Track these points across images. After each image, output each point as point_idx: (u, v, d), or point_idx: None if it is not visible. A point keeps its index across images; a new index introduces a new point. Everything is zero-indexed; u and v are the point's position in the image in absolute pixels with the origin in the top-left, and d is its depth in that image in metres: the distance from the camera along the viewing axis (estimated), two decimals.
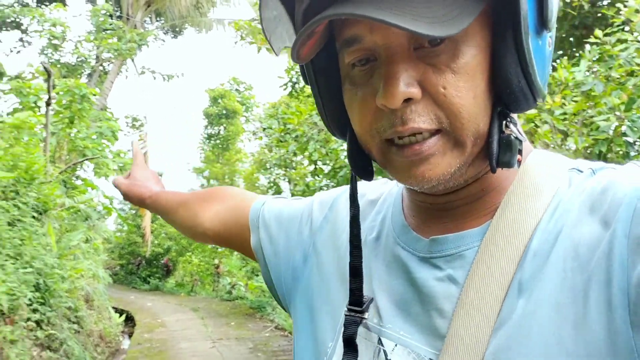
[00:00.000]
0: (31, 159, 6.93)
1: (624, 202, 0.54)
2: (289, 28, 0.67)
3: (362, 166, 0.71)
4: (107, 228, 14.05)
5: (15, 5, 18.50)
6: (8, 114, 11.47)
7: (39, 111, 10.34)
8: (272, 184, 11.12)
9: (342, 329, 0.69)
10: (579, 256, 0.54)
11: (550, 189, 0.61)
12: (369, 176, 0.72)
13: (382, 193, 0.82)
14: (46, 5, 18.69)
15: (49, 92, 8.44)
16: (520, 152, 0.59)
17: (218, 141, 19.29)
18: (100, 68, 17.21)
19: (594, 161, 0.66)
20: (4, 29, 18.06)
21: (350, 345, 0.68)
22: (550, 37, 0.61)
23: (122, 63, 16.78)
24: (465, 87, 0.56)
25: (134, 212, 17.67)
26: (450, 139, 0.58)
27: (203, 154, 19.84)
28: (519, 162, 0.59)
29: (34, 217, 6.66)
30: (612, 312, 0.50)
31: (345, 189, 0.87)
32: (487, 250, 0.60)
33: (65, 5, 18.78)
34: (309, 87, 0.71)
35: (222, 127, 19.13)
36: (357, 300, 0.69)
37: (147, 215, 15.13)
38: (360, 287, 0.69)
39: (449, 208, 0.67)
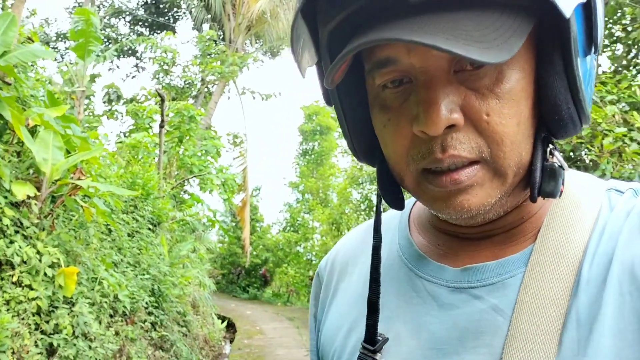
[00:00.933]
0: (148, 176, 7.70)
1: None
2: (310, 48, 0.61)
3: (392, 194, 0.67)
4: (210, 239, 14.98)
5: (132, 34, 20.36)
6: (125, 135, 12.68)
7: (152, 131, 11.36)
8: (364, 199, 11.38)
9: None
10: (636, 279, 0.51)
11: (591, 210, 0.58)
12: (399, 205, 0.68)
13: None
14: (158, 33, 20.38)
15: (162, 115, 9.26)
16: (563, 181, 0.56)
17: (312, 156, 19.86)
18: (205, 90, 18.36)
19: (633, 182, 0.64)
20: (122, 56, 19.89)
21: None
22: (594, 59, 0.58)
23: (225, 84, 17.81)
24: (510, 114, 0.52)
25: (234, 224, 18.60)
26: (491, 169, 0.54)
27: (298, 169, 20.48)
28: (561, 192, 0.56)
29: (149, 228, 7.39)
30: None
31: (332, 250, 0.85)
32: (533, 277, 0.55)
33: (174, 32, 20.39)
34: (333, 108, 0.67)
35: (316, 143, 19.71)
36: (371, 339, 0.63)
37: (247, 227, 15.93)
38: (375, 324, 0.63)
39: (485, 237, 0.63)
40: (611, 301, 0.51)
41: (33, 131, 4.45)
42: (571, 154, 4.28)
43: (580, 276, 0.54)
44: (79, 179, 4.58)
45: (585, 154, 4.02)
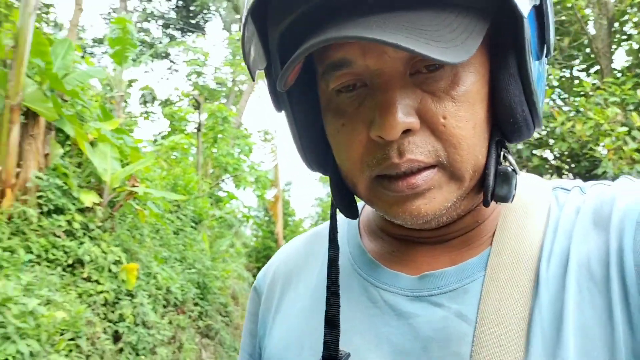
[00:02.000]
0: (189, 178, 8.28)
1: (627, 216, 0.52)
2: (259, 49, 0.59)
3: (345, 202, 0.64)
4: (245, 234, 15.55)
5: (164, 37, 21.08)
6: (163, 137, 13.29)
7: (185, 131, 11.95)
8: None
9: None
10: (593, 275, 0.51)
11: (541, 209, 0.59)
12: (353, 214, 0.65)
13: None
14: (189, 35, 21.07)
15: (199, 119, 9.83)
16: (515, 185, 0.56)
17: None
18: (236, 89, 18.92)
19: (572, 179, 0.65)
20: (156, 59, 20.64)
21: None
22: (545, 63, 0.58)
23: (255, 83, 18.34)
24: (466, 117, 0.51)
25: (267, 219, 19.16)
26: (447, 172, 0.53)
27: None
28: (514, 196, 0.56)
29: (192, 226, 7.97)
30: (634, 332, 0.48)
31: (270, 262, 0.82)
32: (494, 281, 0.55)
33: (205, 34, 21.05)
34: (283, 114, 0.63)
35: None
36: (331, 356, 0.59)
37: (280, 221, 16.46)
38: (336, 340, 0.59)
39: (441, 241, 0.61)
40: (571, 298, 0.50)
41: (92, 144, 5.04)
42: (580, 151, 4.62)
43: (539, 276, 0.53)
44: (133, 185, 5.15)
45: (590, 151, 4.35)
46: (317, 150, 0.64)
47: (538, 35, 0.54)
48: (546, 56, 0.56)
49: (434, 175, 0.52)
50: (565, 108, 5.43)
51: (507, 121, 0.54)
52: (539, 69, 0.55)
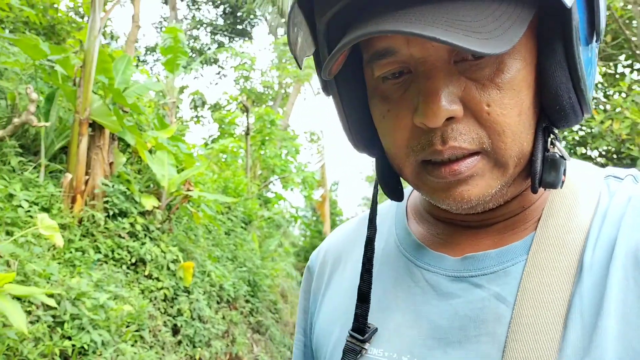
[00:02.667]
0: (238, 180, 8.67)
1: None
2: (307, 37, 0.60)
3: (391, 185, 0.66)
4: (293, 234, 15.87)
5: (212, 43, 21.73)
6: (213, 141, 13.77)
7: (234, 135, 12.36)
8: None
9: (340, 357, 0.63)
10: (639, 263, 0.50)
11: (591, 197, 0.58)
12: (398, 196, 0.67)
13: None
14: (236, 41, 21.65)
15: (247, 124, 10.22)
16: (564, 172, 0.55)
17: None
18: (282, 92, 19.30)
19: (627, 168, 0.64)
20: (206, 65, 21.31)
21: None
22: (596, 47, 0.56)
23: (301, 86, 18.67)
24: (510, 104, 0.51)
25: (315, 218, 19.42)
26: (491, 159, 0.53)
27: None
28: (563, 182, 0.55)
29: (242, 227, 8.33)
30: None
31: (323, 242, 0.85)
32: (535, 265, 0.55)
33: (251, 39, 21.58)
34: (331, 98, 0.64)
35: None
36: (360, 328, 0.62)
37: (327, 221, 16.69)
38: (365, 315, 0.62)
39: (485, 225, 0.62)
40: (615, 286, 0.50)
41: (150, 151, 5.45)
42: (619, 149, 4.67)
43: (583, 262, 0.53)
44: (188, 189, 5.53)
45: (628, 149, 4.40)
46: (364, 133, 0.65)
47: (587, 20, 0.52)
48: (596, 41, 0.54)
49: (477, 163, 0.53)
50: (608, 106, 5.46)
51: (553, 108, 0.53)
52: (588, 54, 0.53)
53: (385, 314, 0.63)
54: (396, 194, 0.67)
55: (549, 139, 0.56)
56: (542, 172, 0.55)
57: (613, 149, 4.89)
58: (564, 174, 0.55)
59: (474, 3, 0.47)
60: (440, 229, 0.66)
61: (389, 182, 0.66)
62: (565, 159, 0.55)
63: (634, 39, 5.91)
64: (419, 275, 0.63)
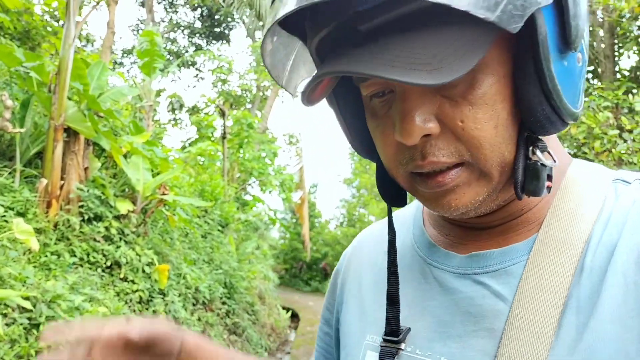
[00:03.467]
0: (215, 184, 8.75)
1: None
2: (305, 59, 0.64)
3: (394, 191, 0.68)
4: (272, 236, 15.90)
5: (190, 45, 21.71)
6: (190, 144, 13.75)
7: (212, 138, 12.39)
8: None
9: None
10: None
11: (596, 200, 0.58)
12: (401, 202, 0.69)
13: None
14: (214, 43, 21.66)
15: (224, 127, 10.30)
16: (550, 177, 0.55)
17: None
18: (261, 95, 19.35)
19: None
20: (183, 68, 21.26)
21: None
22: (580, 52, 0.55)
23: (279, 89, 18.74)
24: (484, 118, 0.52)
25: (294, 221, 19.49)
26: (475, 170, 0.54)
27: (353, 164, 21.25)
28: (549, 187, 0.55)
29: (219, 230, 8.40)
30: None
31: (355, 240, 0.87)
32: (535, 265, 0.56)
33: (229, 42, 21.61)
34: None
35: None
36: (393, 330, 0.63)
37: (306, 223, 16.78)
38: (397, 316, 0.64)
39: (488, 227, 0.64)
40: (614, 290, 0.51)
41: (125, 156, 5.53)
42: (578, 151, 4.90)
43: (584, 264, 0.54)
44: (163, 193, 5.62)
45: (583, 154, 4.62)
46: (364, 141, 0.67)
47: (559, 31, 0.51)
48: (574, 50, 0.53)
49: (461, 173, 0.54)
50: None
51: (528, 120, 0.54)
52: (564, 64, 0.53)
53: (402, 310, 0.66)
54: (398, 200, 0.69)
55: (531, 148, 0.56)
56: (524, 181, 0.55)
57: (573, 152, 5.12)
58: (550, 180, 0.56)
59: (430, 32, 0.48)
60: (449, 230, 0.68)
61: (389, 188, 0.68)
62: (546, 166, 0.55)
63: (594, 44, 6.17)
64: (428, 272, 0.66)
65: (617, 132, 4.36)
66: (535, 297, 0.54)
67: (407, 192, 0.66)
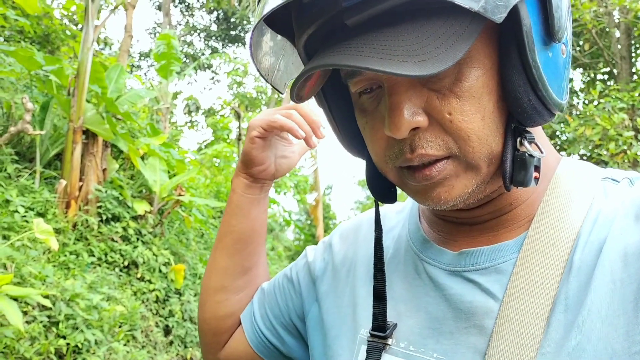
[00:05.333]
0: (230, 185, 8.79)
1: None
2: (295, 59, 0.65)
3: (384, 188, 0.69)
4: (287, 237, 15.97)
5: (206, 48, 21.88)
6: (206, 145, 13.88)
7: (228, 140, 12.48)
8: None
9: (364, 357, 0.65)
10: (628, 266, 0.51)
11: (585, 198, 0.59)
12: (391, 199, 0.70)
13: (398, 220, 0.78)
14: (230, 46, 21.81)
15: (239, 130, 10.40)
16: (538, 169, 0.56)
17: None
18: (276, 97, 19.44)
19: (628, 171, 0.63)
20: (199, 70, 21.44)
21: None
22: (564, 44, 0.57)
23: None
24: (472, 111, 0.53)
25: (309, 222, 19.54)
26: (462, 162, 0.55)
27: None
28: (537, 179, 0.56)
29: None
30: None
31: (341, 226, 0.88)
32: (525, 263, 0.57)
33: (245, 45, 21.75)
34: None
35: None
36: (380, 326, 0.65)
37: (320, 225, 16.81)
38: (384, 312, 0.65)
39: (478, 222, 0.64)
40: (601, 288, 0.51)
41: (142, 158, 5.62)
42: (592, 152, 4.87)
43: (572, 262, 0.54)
44: (179, 194, 5.70)
45: (598, 155, 4.60)
46: (354, 139, 0.68)
47: (543, 22, 0.52)
48: (558, 41, 0.54)
49: (448, 166, 0.55)
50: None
51: (516, 110, 0.54)
52: (548, 55, 0.54)
53: (391, 303, 0.66)
54: (388, 196, 0.70)
55: (519, 139, 0.56)
56: (512, 172, 0.55)
57: (588, 154, 5.09)
58: (538, 171, 0.56)
59: (419, 24, 0.48)
60: (442, 227, 0.68)
61: (379, 185, 0.69)
62: (534, 157, 0.55)
63: (611, 46, 6.13)
64: (421, 268, 0.66)
65: (632, 133, 4.33)
66: (525, 295, 0.55)
67: (397, 189, 0.68)
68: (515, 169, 0.55)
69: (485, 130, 0.53)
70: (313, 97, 0.65)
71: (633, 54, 6.59)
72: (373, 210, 0.75)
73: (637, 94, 4.74)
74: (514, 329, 0.53)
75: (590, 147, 4.75)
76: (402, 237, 0.73)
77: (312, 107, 0.82)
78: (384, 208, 0.82)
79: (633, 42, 6.44)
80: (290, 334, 0.85)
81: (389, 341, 0.64)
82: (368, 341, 0.65)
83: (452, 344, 0.58)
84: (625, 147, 4.29)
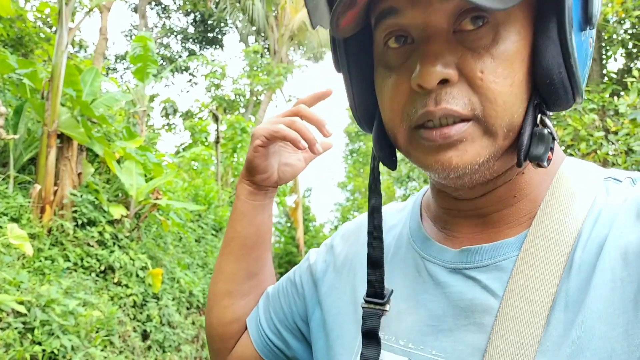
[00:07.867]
0: (209, 188, 8.79)
1: None
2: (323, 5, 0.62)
3: (387, 156, 0.68)
4: None
5: (183, 50, 21.75)
6: (184, 148, 13.78)
7: (206, 143, 12.42)
8: (407, 196, 12.14)
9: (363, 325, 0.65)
10: (628, 265, 0.51)
11: (587, 197, 0.59)
12: (392, 165, 0.69)
13: (399, 219, 0.78)
14: (207, 48, 21.70)
15: (217, 132, 10.36)
16: (552, 149, 0.56)
17: (359, 157, 20.68)
18: (254, 99, 19.40)
19: (629, 171, 0.64)
20: (177, 73, 21.29)
21: (372, 338, 0.64)
22: (591, 37, 0.58)
23: (272, 93, 18.81)
24: (503, 74, 0.53)
25: (288, 225, 19.52)
26: (482, 127, 0.54)
27: (347, 167, 21.38)
28: (549, 160, 0.56)
29: (213, 234, 8.44)
30: None
31: (343, 226, 0.88)
32: (526, 261, 0.57)
33: (222, 47, 21.69)
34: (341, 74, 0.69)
35: (362, 144, 20.51)
36: (376, 292, 0.65)
37: (300, 227, 16.82)
38: (381, 279, 0.65)
39: (480, 215, 0.64)
40: (602, 287, 0.51)
41: (118, 161, 5.58)
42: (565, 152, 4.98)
43: (573, 261, 0.54)
44: (156, 198, 5.67)
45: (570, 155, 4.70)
46: (366, 109, 0.69)
47: (582, 6, 0.54)
48: (590, 29, 0.56)
49: (467, 128, 0.54)
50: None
51: (544, 83, 0.55)
52: (580, 40, 0.55)
53: (394, 300, 0.66)
54: (391, 163, 0.69)
55: (539, 116, 0.57)
56: (529, 146, 0.55)
57: None
58: (552, 152, 0.56)
59: None
60: (444, 221, 0.68)
61: (385, 153, 0.69)
62: (554, 138, 0.56)
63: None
64: (422, 266, 0.66)
65: (602, 134, 4.44)
66: (525, 293, 0.55)
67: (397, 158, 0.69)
68: (533, 142, 0.55)
69: (512, 97, 0.54)
70: (333, 60, 0.69)
71: (603, 56, 6.75)
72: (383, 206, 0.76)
73: (607, 95, 4.88)
74: (513, 327, 0.54)
75: (562, 148, 4.85)
76: (403, 235, 0.73)
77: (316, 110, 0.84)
78: (386, 207, 0.82)
79: (603, 44, 6.59)
80: (295, 338, 0.85)
81: (387, 307, 0.64)
82: (362, 307, 0.65)
83: (451, 342, 0.59)
84: (595, 147, 4.40)
